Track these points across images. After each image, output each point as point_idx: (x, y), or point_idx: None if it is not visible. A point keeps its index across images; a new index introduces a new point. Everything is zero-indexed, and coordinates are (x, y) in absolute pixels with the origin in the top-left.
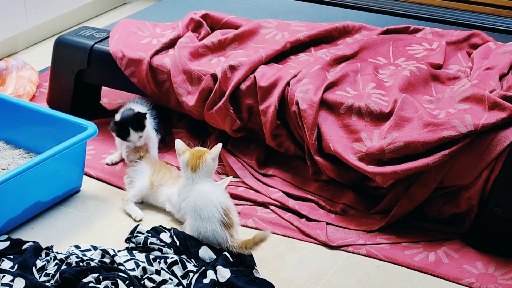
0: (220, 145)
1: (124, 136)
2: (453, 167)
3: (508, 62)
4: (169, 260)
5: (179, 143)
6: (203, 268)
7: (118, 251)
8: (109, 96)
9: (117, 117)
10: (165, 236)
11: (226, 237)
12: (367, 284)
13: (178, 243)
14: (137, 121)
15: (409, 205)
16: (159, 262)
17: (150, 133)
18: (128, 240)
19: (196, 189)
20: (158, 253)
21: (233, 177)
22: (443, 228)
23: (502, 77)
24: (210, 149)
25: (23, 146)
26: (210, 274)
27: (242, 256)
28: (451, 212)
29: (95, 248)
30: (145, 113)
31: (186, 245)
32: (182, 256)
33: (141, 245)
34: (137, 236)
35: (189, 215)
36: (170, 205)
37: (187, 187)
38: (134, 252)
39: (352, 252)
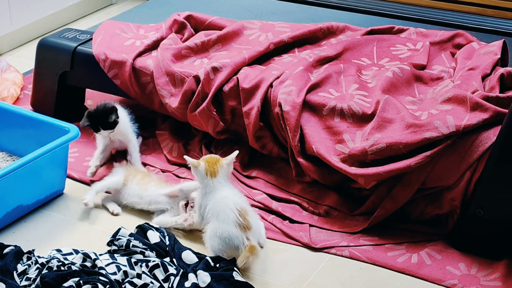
0: (236, 152)
1: (95, 130)
2: (436, 168)
3: (491, 62)
4: (150, 264)
5: (189, 159)
6: (185, 271)
7: (100, 255)
8: (93, 98)
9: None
10: (153, 235)
11: (242, 239)
12: (349, 286)
13: (167, 242)
14: (105, 119)
15: (392, 206)
16: (141, 266)
17: (130, 136)
18: (110, 243)
19: (214, 196)
20: (140, 256)
21: None
22: (426, 229)
23: (484, 77)
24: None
25: (5, 149)
26: (192, 278)
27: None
28: (433, 213)
29: (76, 252)
30: (114, 108)
31: (174, 245)
32: (164, 259)
33: (123, 247)
34: (119, 239)
35: (210, 220)
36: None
37: (207, 195)
38: (115, 255)
39: (335, 254)
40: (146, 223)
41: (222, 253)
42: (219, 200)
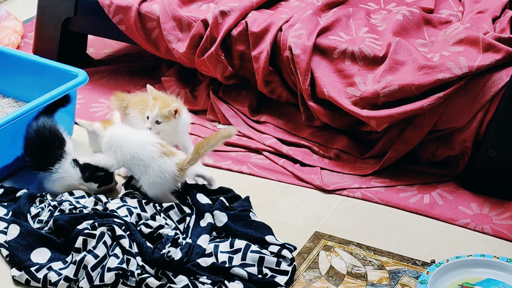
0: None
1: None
2: (448, 110)
3: (501, 5)
4: (164, 205)
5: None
6: (200, 210)
7: (111, 199)
8: (95, 46)
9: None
10: None
11: (172, 164)
12: (363, 226)
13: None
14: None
15: (403, 148)
16: (155, 207)
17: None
18: (126, 184)
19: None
20: None
21: (223, 124)
22: (437, 171)
23: (494, 20)
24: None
25: (11, 96)
26: (208, 217)
27: (238, 199)
28: (445, 155)
29: (89, 195)
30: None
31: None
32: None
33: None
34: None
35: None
36: None
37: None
38: (126, 198)
39: (347, 196)
40: None
41: (165, 194)
42: (133, 146)
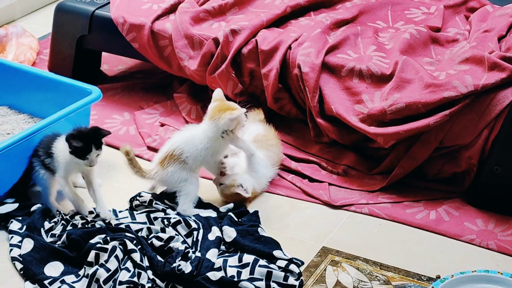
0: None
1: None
2: (454, 127)
3: (506, 24)
4: (172, 220)
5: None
6: (207, 223)
7: (119, 212)
8: (109, 63)
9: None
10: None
11: None
12: (370, 241)
13: None
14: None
15: (410, 165)
16: (162, 221)
17: None
18: (133, 199)
19: None
20: (161, 214)
21: None
22: (443, 187)
23: (500, 39)
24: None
25: (27, 111)
26: (215, 231)
27: (247, 214)
28: (451, 172)
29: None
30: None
31: None
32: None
33: (146, 203)
34: (142, 196)
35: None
36: None
37: None
38: (135, 213)
39: (355, 212)
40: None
41: None
42: None
